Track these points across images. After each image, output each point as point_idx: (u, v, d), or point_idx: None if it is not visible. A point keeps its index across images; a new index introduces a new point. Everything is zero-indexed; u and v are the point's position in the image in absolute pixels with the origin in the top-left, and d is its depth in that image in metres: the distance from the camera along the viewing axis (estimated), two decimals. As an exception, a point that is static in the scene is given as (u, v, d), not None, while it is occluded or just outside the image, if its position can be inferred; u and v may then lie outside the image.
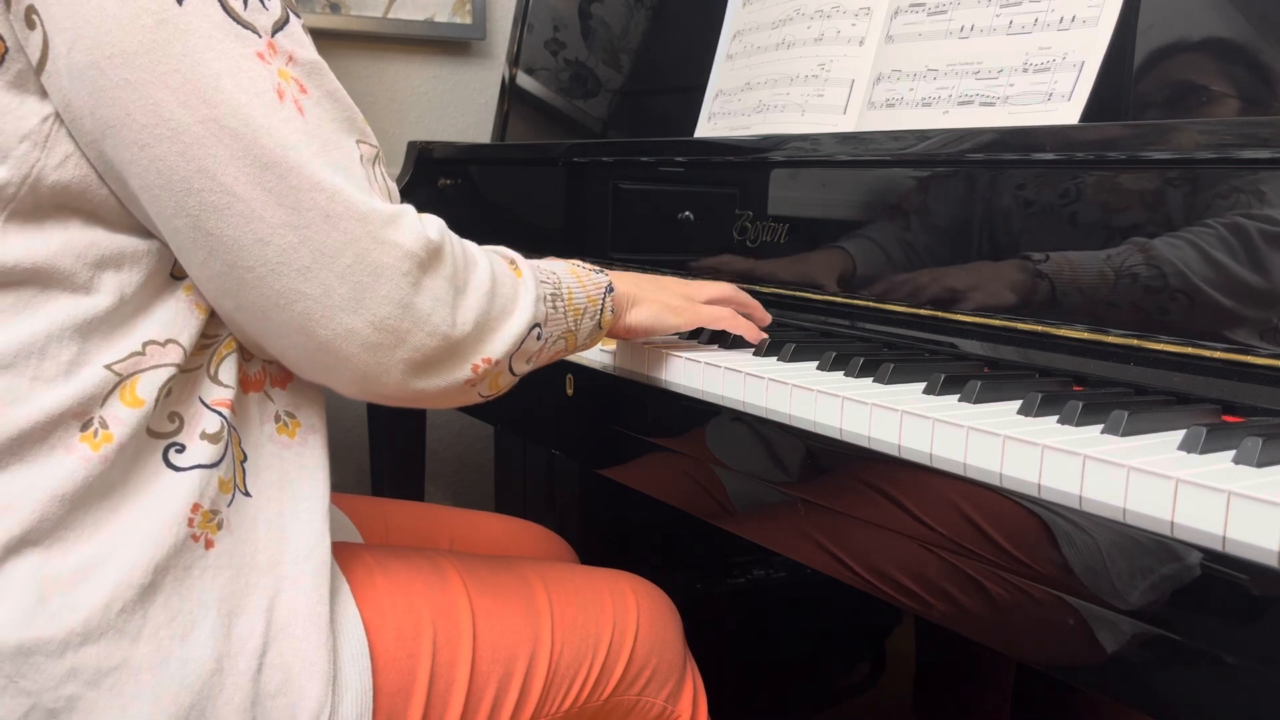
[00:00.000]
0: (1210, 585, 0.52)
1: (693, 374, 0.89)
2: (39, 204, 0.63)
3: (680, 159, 1.20)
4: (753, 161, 1.08)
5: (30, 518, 0.61)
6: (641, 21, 1.53)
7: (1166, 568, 0.54)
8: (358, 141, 0.67)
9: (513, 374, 0.75)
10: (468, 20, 1.86)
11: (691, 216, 1.16)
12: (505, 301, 0.72)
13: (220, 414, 0.68)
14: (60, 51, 0.60)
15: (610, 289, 0.84)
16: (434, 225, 0.69)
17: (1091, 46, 0.88)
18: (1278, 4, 0.82)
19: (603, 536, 1.67)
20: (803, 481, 0.77)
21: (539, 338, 0.76)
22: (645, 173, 1.26)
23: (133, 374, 0.65)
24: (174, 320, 0.67)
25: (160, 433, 0.66)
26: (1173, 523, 0.55)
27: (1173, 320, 0.74)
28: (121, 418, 0.64)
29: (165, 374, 0.66)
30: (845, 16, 1.11)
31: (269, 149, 0.61)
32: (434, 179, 1.63)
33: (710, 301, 0.92)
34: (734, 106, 1.22)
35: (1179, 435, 0.62)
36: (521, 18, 1.73)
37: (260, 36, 0.63)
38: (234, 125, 0.61)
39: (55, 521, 0.62)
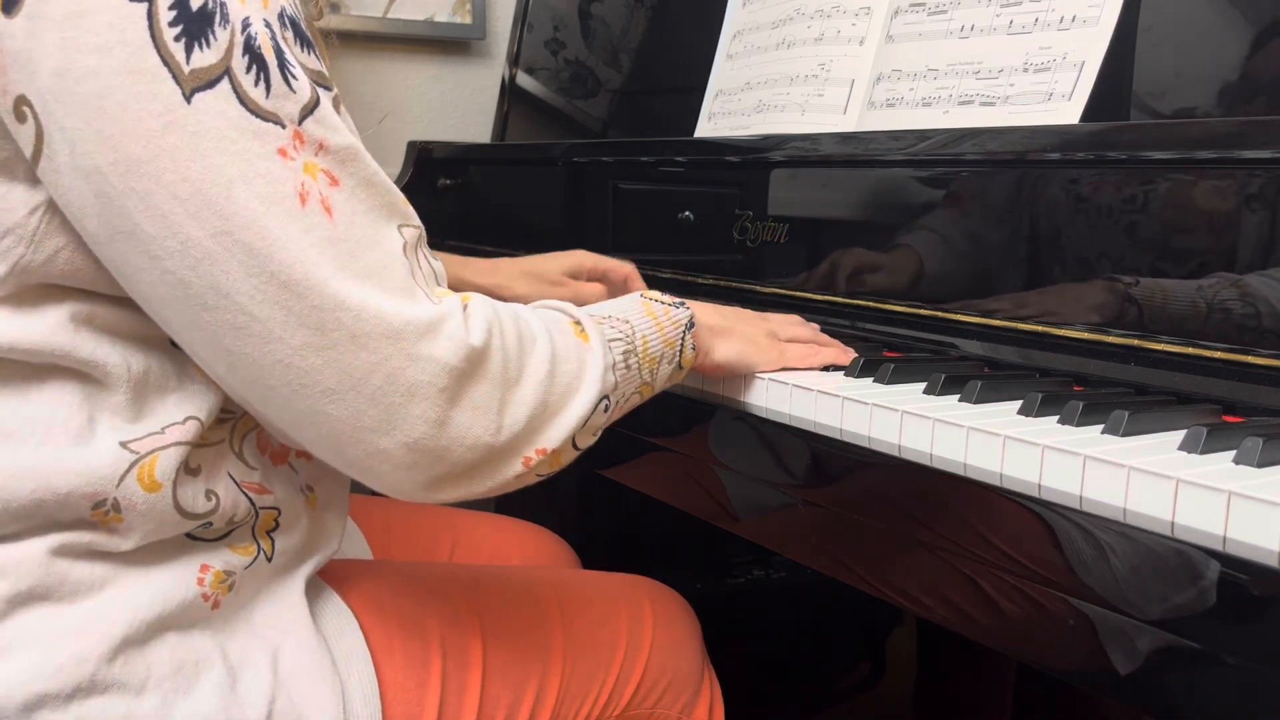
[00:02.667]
0: (1211, 585, 0.52)
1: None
2: (28, 291, 0.60)
3: (680, 159, 1.20)
4: (753, 161, 1.08)
5: (37, 571, 0.60)
6: (641, 21, 1.53)
7: (1166, 568, 0.54)
8: (400, 227, 0.61)
9: (576, 449, 0.68)
10: (468, 20, 1.86)
11: (691, 216, 1.15)
12: (568, 380, 0.65)
13: (249, 496, 0.67)
14: (59, 149, 0.55)
15: (691, 324, 0.76)
16: (479, 321, 0.62)
17: (1092, 46, 0.88)
18: (1278, 3, 0.82)
19: (601, 536, 1.67)
20: (802, 482, 0.77)
21: (606, 409, 0.68)
22: (645, 173, 1.26)
23: (151, 452, 0.62)
24: (191, 396, 0.64)
25: (191, 513, 0.64)
26: (1173, 523, 0.55)
27: (1173, 320, 0.74)
28: (136, 503, 0.61)
29: (182, 452, 0.63)
30: (845, 16, 1.11)
31: (287, 265, 0.56)
32: (434, 179, 1.63)
33: (791, 340, 0.86)
34: (734, 106, 1.22)
35: (1179, 435, 0.62)
36: (521, 18, 1.73)
37: (285, 127, 0.57)
38: (248, 239, 0.55)
39: (61, 578, 0.60)
